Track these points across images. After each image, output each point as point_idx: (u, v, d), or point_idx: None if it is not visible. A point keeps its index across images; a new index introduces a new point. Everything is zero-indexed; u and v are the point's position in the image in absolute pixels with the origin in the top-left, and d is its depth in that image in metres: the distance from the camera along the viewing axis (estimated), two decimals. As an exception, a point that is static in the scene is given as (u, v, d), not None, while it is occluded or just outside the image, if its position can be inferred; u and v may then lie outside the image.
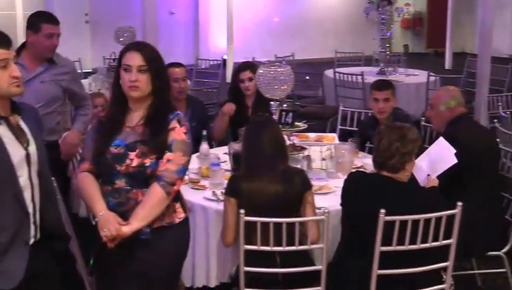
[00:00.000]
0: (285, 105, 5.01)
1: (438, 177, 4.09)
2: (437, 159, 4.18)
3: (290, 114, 4.86)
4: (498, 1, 19.94)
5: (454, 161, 4.11)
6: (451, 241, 3.58)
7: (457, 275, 4.54)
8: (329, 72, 9.33)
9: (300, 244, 3.58)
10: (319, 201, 4.04)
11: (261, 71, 4.71)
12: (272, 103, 4.79)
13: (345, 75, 8.66)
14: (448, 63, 16.97)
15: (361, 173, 4.03)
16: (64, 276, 3.26)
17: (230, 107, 5.68)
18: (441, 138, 4.28)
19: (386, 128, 3.79)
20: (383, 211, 3.41)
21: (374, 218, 3.44)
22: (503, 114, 6.55)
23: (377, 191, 3.69)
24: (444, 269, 3.71)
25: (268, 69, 4.69)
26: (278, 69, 4.67)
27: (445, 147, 4.20)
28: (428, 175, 4.08)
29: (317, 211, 3.84)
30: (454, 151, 4.14)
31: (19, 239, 2.91)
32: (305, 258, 3.76)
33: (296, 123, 5.06)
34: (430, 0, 20.47)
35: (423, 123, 5.75)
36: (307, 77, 9.90)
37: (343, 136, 5.90)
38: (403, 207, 3.53)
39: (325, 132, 6.92)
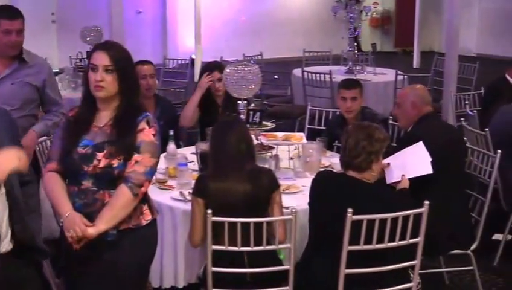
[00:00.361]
0: (252, 104, 5.00)
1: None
2: (412, 162, 4.18)
3: (258, 113, 4.85)
4: (465, 0, 20.28)
5: (429, 171, 4.13)
6: (419, 239, 3.59)
7: (425, 274, 4.57)
8: (297, 71, 9.33)
9: (268, 244, 3.57)
10: (287, 200, 4.04)
11: (228, 71, 4.69)
12: (239, 102, 4.77)
13: (313, 74, 8.66)
14: (416, 62, 17.10)
15: (329, 173, 4.03)
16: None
17: (206, 80, 5.60)
18: (421, 143, 4.25)
19: (353, 128, 3.80)
20: (350, 210, 3.41)
21: (341, 217, 3.43)
22: (469, 113, 6.60)
23: (344, 191, 3.69)
24: (412, 267, 3.72)
25: (236, 69, 4.66)
26: (245, 69, 4.64)
27: (423, 154, 4.20)
28: (403, 175, 4.08)
29: (284, 210, 3.84)
30: (431, 159, 4.14)
31: None
32: (273, 258, 3.75)
33: (264, 122, 5.05)
34: (399, -1, 20.62)
35: (391, 122, 5.76)
36: (276, 76, 9.90)
37: (312, 136, 5.90)
38: (369, 207, 3.53)
39: (293, 131, 6.91)
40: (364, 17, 9.86)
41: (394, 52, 20.32)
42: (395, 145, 5.55)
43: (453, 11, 8.37)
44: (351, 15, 9.55)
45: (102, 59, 3.25)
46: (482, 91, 7.39)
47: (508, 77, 7.01)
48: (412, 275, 3.76)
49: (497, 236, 5.64)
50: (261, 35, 16.91)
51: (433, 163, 4.23)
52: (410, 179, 4.08)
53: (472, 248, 4.58)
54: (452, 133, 4.76)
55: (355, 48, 9.68)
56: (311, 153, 4.72)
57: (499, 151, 4.69)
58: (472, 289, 4.93)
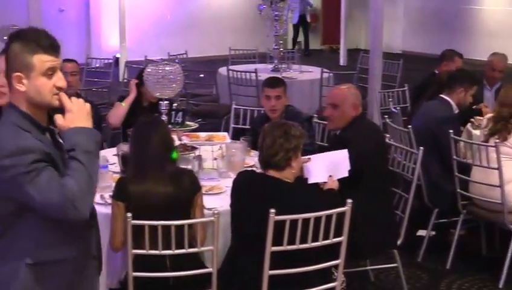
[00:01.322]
0: (175, 104, 4.91)
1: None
2: (333, 165, 4.17)
3: (180, 113, 4.77)
4: (390, -2, 20.57)
5: (345, 174, 4.13)
6: (342, 239, 3.57)
7: (350, 272, 4.58)
8: (223, 70, 9.25)
9: (191, 247, 3.51)
10: (211, 201, 3.99)
11: (149, 70, 4.60)
12: (161, 102, 4.68)
13: (239, 73, 8.60)
14: (342, 59, 17.24)
15: (249, 173, 3.97)
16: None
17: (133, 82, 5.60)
18: (345, 151, 4.23)
19: (269, 127, 3.78)
20: (273, 211, 3.36)
21: (264, 218, 3.38)
22: (393, 110, 6.65)
23: (265, 192, 3.64)
24: (336, 266, 3.70)
25: (157, 68, 4.58)
26: (166, 68, 4.56)
27: (344, 158, 4.19)
28: (330, 176, 4.07)
29: (206, 212, 3.78)
30: (349, 168, 4.14)
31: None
32: (196, 261, 3.68)
33: (187, 122, 4.98)
34: (325, -4, 20.76)
35: (315, 120, 5.75)
36: (202, 75, 9.81)
37: (237, 135, 5.84)
38: (291, 207, 3.50)
39: (219, 131, 6.85)
40: (290, 14, 9.82)
41: (321, 50, 20.47)
42: (324, 144, 5.59)
43: (376, 8, 8.45)
44: (276, 13, 9.52)
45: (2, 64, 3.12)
46: (406, 88, 7.47)
47: (437, 72, 7.12)
48: (336, 274, 3.74)
49: (421, 232, 5.69)
50: (187, 34, 16.78)
51: (362, 166, 4.25)
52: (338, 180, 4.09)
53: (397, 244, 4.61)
54: (378, 134, 4.75)
55: (281, 45, 9.64)
56: (235, 153, 4.66)
57: (421, 148, 4.72)
58: (397, 286, 4.97)
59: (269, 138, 3.66)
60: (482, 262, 5.46)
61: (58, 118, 2.59)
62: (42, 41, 2.59)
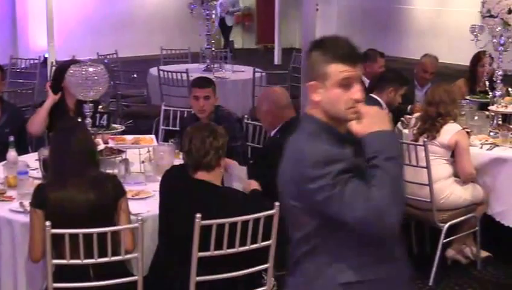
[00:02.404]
0: (100, 106, 4.78)
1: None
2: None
3: (105, 116, 4.64)
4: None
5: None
6: (271, 242, 3.51)
7: (284, 275, 4.51)
8: (154, 70, 9.09)
9: (115, 254, 3.39)
10: (137, 206, 3.90)
11: (71, 71, 4.44)
12: (85, 105, 4.54)
13: (170, 73, 8.47)
14: (277, 59, 17.24)
15: (177, 172, 3.82)
16: None
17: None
18: None
19: (193, 129, 3.71)
20: (198, 215, 3.28)
21: (190, 223, 3.30)
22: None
23: (192, 196, 3.56)
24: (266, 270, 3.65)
25: (80, 69, 4.43)
26: (90, 69, 4.42)
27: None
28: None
29: (133, 218, 3.67)
30: None
31: None
32: (122, 268, 3.57)
33: (113, 125, 4.86)
34: (259, -5, 20.75)
35: (246, 121, 5.69)
36: (135, 75, 9.63)
37: (171, 136, 5.71)
38: (219, 211, 3.44)
39: (151, 132, 6.72)
40: (222, 13, 9.74)
41: (256, 49, 20.45)
42: (256, 146, 5.54)
43: (308, 7, 8.39)
44: (208, 12, 9.41)
45: None
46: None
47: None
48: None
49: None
50: (118, 33, 16.51)
51: None
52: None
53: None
54: None
55: (213, 45, 9.54)
56: (163, 156, 4.56)
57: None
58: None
59: (197, 139, 3.58)
60: (412, 260, 5.41)
61: (352, 124, 2.39)
62: (340, 50, 2.43)
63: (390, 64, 15.17)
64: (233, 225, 3.36)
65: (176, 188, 3.66)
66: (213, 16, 9.40)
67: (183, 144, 3.66)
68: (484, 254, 5.40)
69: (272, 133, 4.78)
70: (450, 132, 5.02)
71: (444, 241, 5.06)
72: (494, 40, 5.80)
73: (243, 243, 3.42)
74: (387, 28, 18.21)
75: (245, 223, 3.39)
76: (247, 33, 21.11)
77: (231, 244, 3.39)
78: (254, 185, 3.99)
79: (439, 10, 17.32)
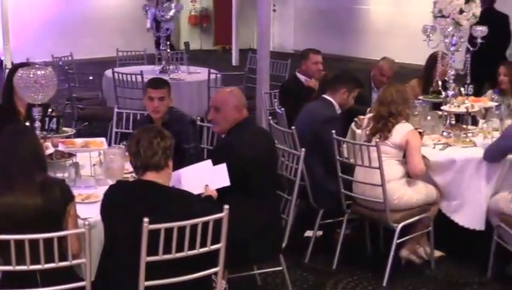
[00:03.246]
0: (49, 110, 4.70)
1: None
2: (210, 175, 4.09)
3: (54, 119, 4.57)
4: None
5: (225, 184, 4.07)
6: (220, 245, 3.48)
7: (237, 277, 4.50)
8: (109, 72, 9.00)
9: (63, 260, 3.32)
10: (86, 211, 3.85)
11: (19, 74, 4.36)
12: (34, 108, 4.46)
13: (124, 75, 8.39)
14: (235, 60, 17.22)
15: (121, 183, 3.81)
16: None
17: None
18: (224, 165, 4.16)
19: (139, 131, 3.68)
20: (146, 219, 3.23)
21: (138, 227, 3.25)
22: (278, 110, 6.60)
23: (141, 199, 3.50)
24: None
25: (28, 72, 4.35)
26: (38, 72, 4.34)
27: (220, 169, 4.11)
28: (207, 186, 4.00)
29: (81, 222, 3.61)
30: (227, 178, 4.07)
31: None
32: (71, 274, 3.51)
33: (63, 129, 4.79)
34: (216, -3, 20.69)
35: (200, 123, 5.64)
36: (91, 77, 9.52)
37: (125, 139, 5.62)
38: (168, 213, 3.40)
39: (106, 135, 6.62)
40: (174, 14, 9.63)
41: (214, 50, 20.40)
42: (209, 147, 5.50)
43: (263, 9, 8.40)
44: (163, 13, 9.35)
45: None
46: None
47: (298, 75, 7.14)
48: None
49: (309, 233, 5.68)
50: (75, 35, 16.30)
51: (247, 171, 4.21)
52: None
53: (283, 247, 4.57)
54: (265, 138, 4.66)
55: (168, 46, 9.47)
56: (113, 159, 4.47)
57: (303, 149, 4.69)
58: (284, 288, 4.91)
59: (144, 140, 3.55)
60: (367, 261, 5.49)
61: None
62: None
63: (348, 64, 15.41)
64: (182, 229, 3.32)
65: (121, 194, 3.61)
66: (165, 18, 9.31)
67: (130, 146, 3.61)
68: (438, 253, 5.44)
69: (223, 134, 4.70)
70: (401, 131, 5.04)
71: (398, 241, 5.08)
72: (446, 40, 5.84)
73: (192, 246, 3.38)
74: (344, 28, 18.30)
75: (194, 227, 3.35)
76: (205, 34, 21.04)
77: (180, 248, 3.34)
78: (210, 192, 3.97)
79: (395, 10, 17.46)
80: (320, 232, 5.78)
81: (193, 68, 9.73)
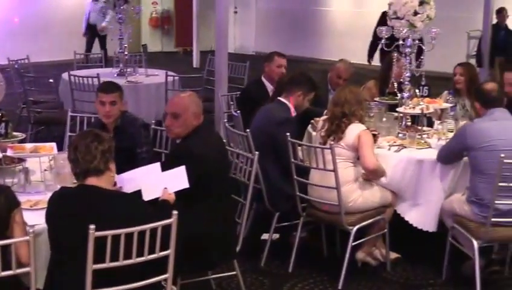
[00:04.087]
0: (-1, 114, 4.63)
1: None
2: (168, 179, 4.03)
3: (3, 124, 4.48)
4: (243, 0, 20.70)
5: (184, 186, 4.01)
6: (169, 252, 3.43)
7: (192, 282, 4.45)
8: (65, 75, 8.88)
9: (7, 269, 3.24)
10: (35, 217, 3.75)
11: (-36, 79, 4.27)
12: (-17, 113, 4.38)
13: (81, 78, 8.29)
14: (196, 62, 17.15)
15: (64, 190, 3.73)
16: None
17: None
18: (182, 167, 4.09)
19: (76, 137, 3.64)
20: (92, 226, 3.17)
21: (84, 234, 3.18)
22: (234, 113, 6.55)
23: (84, 203, 3.43)
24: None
25: (-26, 76, 4.26)
26: (-15, 76, 4.26)
27: (179, 172, 4.06)
28: (165, 189, 3.94)
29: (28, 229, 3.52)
30: (186, 180, 4.02)
31: None
32: (15, 283, 3.42)
33: (14, 133, 4.71)
34: (177, -2, 20.60)
35: (154, 127, 5.58)
36: (51, 80, 9.38)
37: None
38: (112, 217, 3.35)
39: (63, 138, 6.51)
40: (135, 16, 9.55)
41: (176, 52, 20.31)
42: (163, 151, 5.43)
43: (221, 10, 8.33)
44: (120, 16, 9.25)
45: None
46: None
47: (263, 79, 7.08)
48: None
49: (265, 236, 5.64)
50: (33, 38, 16.11)
51: (203, 175, 4.15)
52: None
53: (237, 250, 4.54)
54: (220, 143, 4.61)
55: (125, 49, 9.37)
56: (64, 164, 4.39)
57: (257, 152, 4.66)
58: (239, 293, 4.87)
59: (81, 146, 3.49)
60: (323, 264, 5.48)
61: None
62: None
63: (309, 66, 15.43)
64: (129, 235, 3.26)
65: (64, 201, 3.53)
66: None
67: (69, 153, 3.55)
68: (393, 255, 5.45)
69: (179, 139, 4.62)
70: (354, 131, 5.04)
71: (353, 244, 5.07)
72: (401, 42, 5.85)
73: (140, 253, 3.32)
74: (305, 30, 18.34)
75: (142, 233, 3.30)
76: (166, 36, 20.97)
77: (127, 255, 3.28)
78: (167, 196, 3.91)
79: (355, 12, 17.55)
80: (277, 236, 5.76)
81: (151, 70, 9.63)
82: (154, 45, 20.64)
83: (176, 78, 8.72)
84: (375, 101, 6.19)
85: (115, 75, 9.14)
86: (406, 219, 5.30)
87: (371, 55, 11.31)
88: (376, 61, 10.39)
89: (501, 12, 13.18)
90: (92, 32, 14.63)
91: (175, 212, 3.38)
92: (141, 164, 4.84)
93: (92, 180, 3.48)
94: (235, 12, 20.82)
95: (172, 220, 3.37)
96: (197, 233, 4.11)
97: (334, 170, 4.88)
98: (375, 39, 9.97)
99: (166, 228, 3.38)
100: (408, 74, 5.93)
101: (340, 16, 18.06)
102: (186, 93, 4.65)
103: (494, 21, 13.30)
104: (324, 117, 5.33)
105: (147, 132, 5.22)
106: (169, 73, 8.86)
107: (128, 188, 3.91)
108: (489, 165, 4.70)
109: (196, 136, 4.41)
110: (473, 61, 14.35)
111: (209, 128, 4.80)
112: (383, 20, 9.06)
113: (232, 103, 7.05)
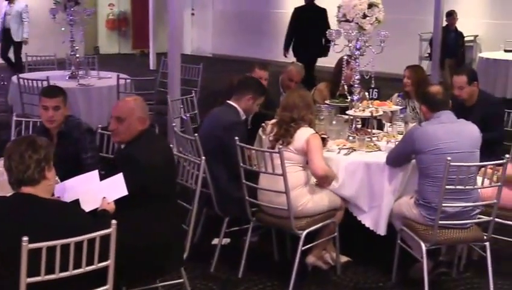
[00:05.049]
0: None
1: None
2: (106, 188, 3.95)
3: None
4: (199, 0, 20.62)
5: (123, 193, 3.93)
6: (109, 263, 3.34)
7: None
8: (15, 78, 8.73)
9: None
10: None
11: None
12: None
13: (30, 81, 8.14)
14: (152, 64, 16.99)
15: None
16: None
17: None
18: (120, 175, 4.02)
19: (11, 144, 3.50)
20: (25, 238, 3.06)
21: (18, 246, 3.08)
22: (184, 117, 6.47)
23: (18, 215, 3.32)
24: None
25: None
26: None
27: (118, 179, 3.98)
28: (104, 198, 3.85)
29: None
30: (125, 187, 3.94)
31: None
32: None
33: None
34: (134, 0, 20.37)
35: (101, 131, 5.47)
36: (4, 82, 9.19)
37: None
38: (47, 225, 3.25)
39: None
40: (86, 18, 9.39)
41: (133, 54, 20.12)
42: (109, 156, 5.34)
43: (174, 12, 8.24)
44: (71, 18, 9.11)
45: None
46: (193, 95, 7.33)
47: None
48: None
49: (216, 241, 5.58)
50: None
51: (147, 181, 4.07)
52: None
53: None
54: (166, 148, 4.51)
55: (77, 51, 9.22)
56: (2, 172, 4.27)
57: (203, 158, 4.59)
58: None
59: (15, 155, 3.38)
60: (274, 268, 5.43)
61: None
62: None
63: (265, 67, 15.37)
64: (66, 246, 3.17)
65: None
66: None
67: (4, 162, 3.44)
68: (344, 259, 5.43)
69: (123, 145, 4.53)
70: (303, 136, 4.99)
71: (303, 248, 5.03)
72: (350, 45, 5.84)
73: (77, 265, 3.23)
74: (261, 32, 18.32)
75: (79, 244, 3.21)
76: (123, 38, 20.77)
77: (64, 267, 3.19)
78: (107, 205, 3.82)
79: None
80: (228, 240, 5.70)
81: (104, 73, 9.51)
82: (111, 47, 20.47)
83: (128, 80, 8.59)
84: (326, 103, 6.16)
85: (67, 78, 9.01)
86: (362, 222, 5.27)
87: (286, 49, 12.30)
88: (332, 63, 10.38)
89: (451, 15, 13.38)
90: (7, 37, 14.25)
91: (114, 221, 3.30)
92: (87, 169, 4.76)
93: (27, 189, 3.38)
94: (193, 14, 20.71)
95: (111, 230, 3.29)
96: (143, 241, 4.04)
97: (283, 175, 4.82)
98: (290, 32, 12.14)
99: (105, 238, 3.30)
100: (358, 77, 5.91)
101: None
102: (131, 97, 4.57)
103: (445, 24, 13.48)
104: (273, 121, 5.27)
105: (92, 137, 5.12)
106: (122, 75, 8.75)
107: (67, 198, 3.81)
108: (436, 168, 4.70)
109: (141, 141, 4.33)
110: (425, 62, 14.62)
111: (154, 133, 4.69)
112: (295, 15, 12.09)
113: (181, 106, 6.92)
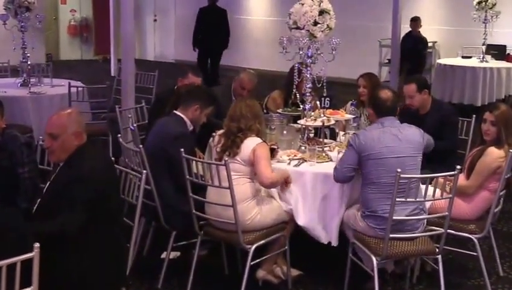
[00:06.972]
0: None
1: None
2: None
3: None
4: (162, 6, 20.40)
5: None
6: (32, 288, 3.16)
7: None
8: (-35, 87, 8.49)
9: None
10: None
11: None
12: None
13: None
14: (114, 70, 16.72)
15: None
16: None
17: None
18: None
19: None
20: None
21: None
22: (131, 127, 6.29)
23: None
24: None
25: None
26: None
27: None
28: None
29: None
30: None
31: None
32: None
33: None
34: (96, 6, 20.11)
35: (41, 142, 5.25)
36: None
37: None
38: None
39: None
40: (37, 24, 9.14)
41: (95, 60, 19.86)
42: (48, 168, 5.12)
43: (126, 18, 8.06)
44: (23, 24, 8.87)
45: None
46: (143, 104, 7.14)
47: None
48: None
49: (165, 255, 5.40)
50: None
51: (93, 199, 3.87)
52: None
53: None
54: (108, 162, 4.30)
55: (29, 58, 9.00)
56: None
57: (144, 171, 4.41)
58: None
59: None
60: (224, 282, 5.28)
61: None
62: None
63: (228, 74, 15.23)
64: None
65: None
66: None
67: None
68: (295, 272, 5.29)
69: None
70: (249, 146, 4.85)
71: (253, 262, 4.87)
72: (301, 52, 5.69)
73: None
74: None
75: None
76: (85, 44, 20.50)
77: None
78: None
79: (270, 20, 17.57)
80: (178, 254, 5.53)
81: (58, 81, 9.27)
82: (73, 53, 20.21)
83: (80, 89, 8.35)
84: (278, 112, 6.02)
85: (18, 86, 8.79)
86: (315, 238, 5.13)
87: (194, 46, 13.90)
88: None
89: (416, 20, 13.55)
90: None
91: (37, 245, 3.11)
92: (23, 184, 4.58)
93: None
94: (155, 20, 20.51)
95: (34, 253, 3.10)
96: (83, 258, 3.87)
97: (230, 187, 4.66)
98: (196, 31, 13.83)
99: (27, 263, 3.11)
100: (309, 85, 5.76)
101: (258, 24, 18.03)
102: (65, 111, 4.25)
103: (408, 29, 13.52)
104: (220, 132, 5.11)
105: (30, 151, 4.85)
106: (74, 83, 8.54)
107: None
108: (378, 174, 4.66)
109: (80, 157, 4.08)
110: (385, 68, 14.71)
111: (93, 148, 4.45)
112: (199, 16, 13.85)
113: (130, 116, 6.65)
